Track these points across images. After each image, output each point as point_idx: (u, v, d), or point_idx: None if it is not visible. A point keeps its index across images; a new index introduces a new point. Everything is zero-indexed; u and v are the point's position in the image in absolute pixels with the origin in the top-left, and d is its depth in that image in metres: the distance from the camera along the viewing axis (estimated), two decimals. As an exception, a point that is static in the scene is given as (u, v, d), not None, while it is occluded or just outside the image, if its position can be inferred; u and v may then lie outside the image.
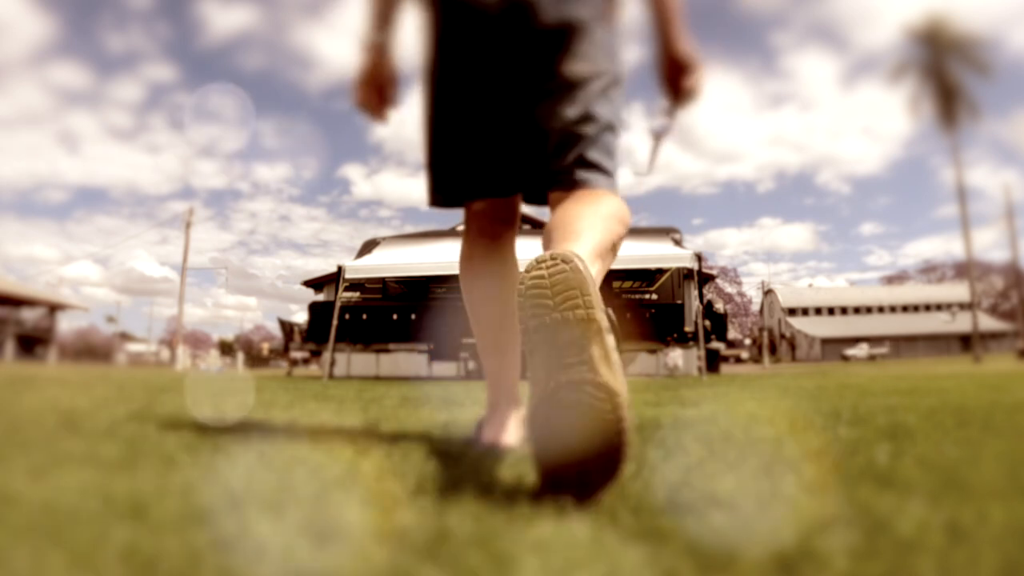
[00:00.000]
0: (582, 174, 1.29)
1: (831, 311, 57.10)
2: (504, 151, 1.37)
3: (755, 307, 60.07)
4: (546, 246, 1.10)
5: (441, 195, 1.44)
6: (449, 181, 1.41)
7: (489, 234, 1.48)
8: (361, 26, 1.46)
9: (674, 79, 1.43)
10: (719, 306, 12.64)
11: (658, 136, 1.50)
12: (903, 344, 50.12)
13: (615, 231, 1.18)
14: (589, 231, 1.10)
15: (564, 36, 1.30)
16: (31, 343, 32.73)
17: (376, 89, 1.48)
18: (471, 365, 10.35)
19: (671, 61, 1.42)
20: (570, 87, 1.30)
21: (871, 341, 49.99)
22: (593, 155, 1.31)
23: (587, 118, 1.30)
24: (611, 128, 1.34)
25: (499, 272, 1.48)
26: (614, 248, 1.18)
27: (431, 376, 10.42)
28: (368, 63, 1.46)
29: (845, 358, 44.69)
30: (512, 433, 1.44)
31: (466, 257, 1.50)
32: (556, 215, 1.20)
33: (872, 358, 43.34)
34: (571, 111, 1.30)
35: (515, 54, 1.31)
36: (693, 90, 1.43)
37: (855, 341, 50.49)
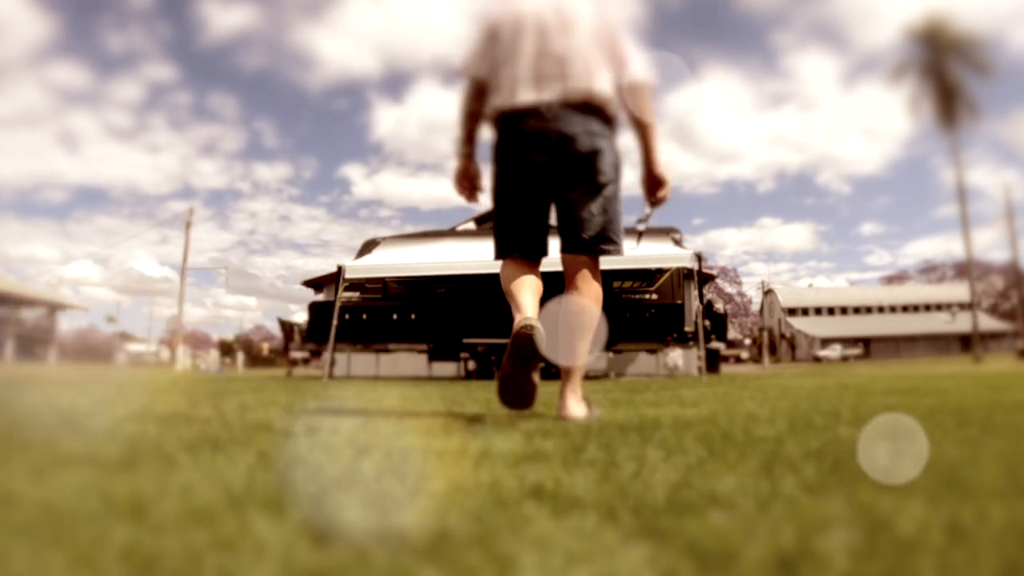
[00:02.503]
0: (602, 245, 2.12)
1: (831, 311, 57.03)
2: (539, 230, 2.15)
3: (755, 307, 60.03)
4: (566, 332, 2.12)
5: (501, 254, 2.20)
6: (505, 247, 2.19)
7: (525, 268, 2.16)
8: (456, 141, 2.27)
9: (652, 190, 2.23)
10: (719, 306, 12.63)
11: (640, 232, 2.45)
12: (903, 344, 50.07)
13: (594, 320, 2.13)
14: (581, 357, 2.14)
15: (592, 158, 2.06)
16: (31, 343, 32.71)
17: (468, 181, 2.30)
18: (471, 365, 10.35)
19: (651, 177, 2.22)
20: (595, 189, 2.08)
21: (845, 342, 49.86)
22: (609, 231, 2.11)
23: (605, 212, 2.10)
24: (616, 211, 2.14)
25: (532, 280, 2.13)
26: (591, 325, 2.13)
27: (431, 376, 10.42)
28: (462, 166, 2.28)
29: (817, 359, 44.36)
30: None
31: (507, 275, 2.15)
32: (568, 301, 2.12)
33: (845, 359, 42.98)
34: (594, 206, 2.08)
35: (559, 164, 2.05)
36: (665, 197, 2.24)
37: (855, 341, 50.41)
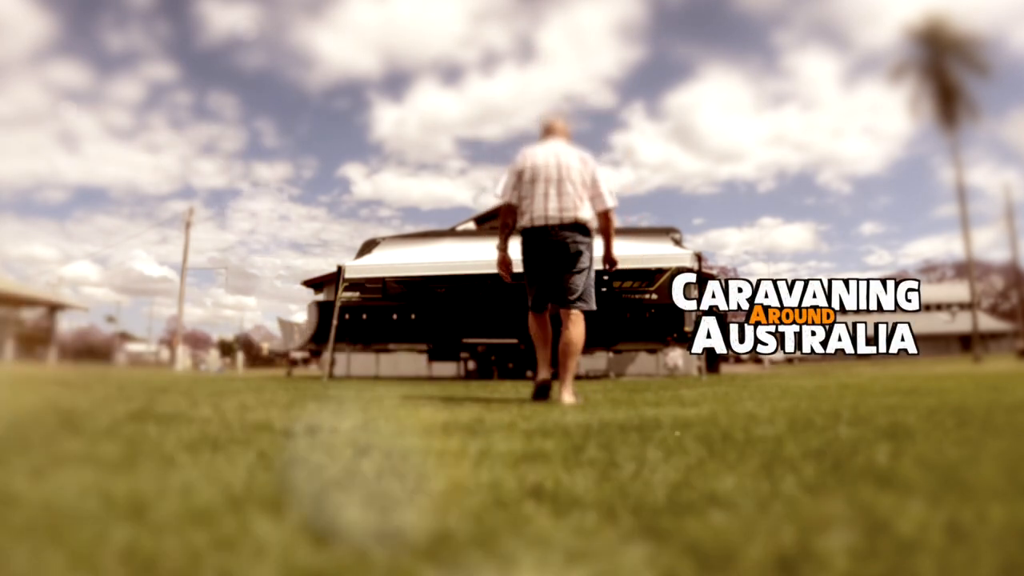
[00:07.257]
0: (578, 304, 3.54)
1: (831, 311, 56.93)
2: (549, 291, 3.59)
3: (755, 307, 59.81)
4: (561, 353, 3.54)
5: (534, 308, 3.63)
6: (536, 305, 3.62)
7: (543, 312, 3.62)
8: (498, 241, 3.80)
9: (609, 265, 3.84)
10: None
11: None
12: (903, 344, 49.90)
13: (580, 346, 3.56)
14: (572, 369, 3.52)
15: (578, 253, 3.53)
16: (31, 343, 32.65)
17: (506, 266, 3.84)
18: (471, 365, 10.34)
19: (608, 259, 3.83)
20: (578, 272, 3.54)
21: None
22: (584, 297, 3.57)
23: (582, 284, 3.56)
24: (589, 284, 3.60)
25: (545, 323, 3.66)
26: (577, 350, 3.58)
27: (431, 376, 10.42)
28: (501, 256, 3.80)
29: (758, 360, 43.98)
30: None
31: (533, 318, 3.63)
32: (564, 335, 3.54)
33: (790, 361, 42.68)
34: (577, 281, 3.54)
35: (559, 258, 3.53)
36: (614, 268, 3.86)
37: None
